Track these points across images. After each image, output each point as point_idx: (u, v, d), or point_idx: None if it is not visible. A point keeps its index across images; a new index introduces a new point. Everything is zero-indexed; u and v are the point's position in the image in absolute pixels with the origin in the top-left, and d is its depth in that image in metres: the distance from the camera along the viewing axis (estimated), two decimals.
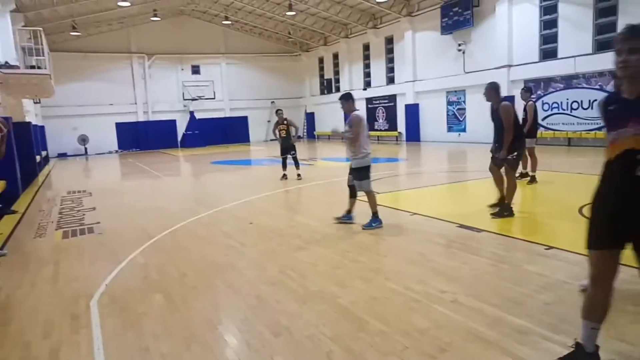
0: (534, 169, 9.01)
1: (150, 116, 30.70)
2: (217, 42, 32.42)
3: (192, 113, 30.94)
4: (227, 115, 32.87)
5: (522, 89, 9.68)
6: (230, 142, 31.58)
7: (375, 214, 6.23)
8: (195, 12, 30.65)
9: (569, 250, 4.73)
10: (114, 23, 27.93)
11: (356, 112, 6.29)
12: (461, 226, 6.05)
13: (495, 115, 6.31)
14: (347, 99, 6.36)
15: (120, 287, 4.53)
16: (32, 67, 14.56)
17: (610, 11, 15.01)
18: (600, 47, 15.30)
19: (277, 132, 11.96)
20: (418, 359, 2.84)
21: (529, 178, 9.01)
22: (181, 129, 31.23)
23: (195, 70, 32.07)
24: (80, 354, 3.18)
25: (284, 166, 12.04)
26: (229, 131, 32.16)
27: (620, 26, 15.14)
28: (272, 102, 34.28)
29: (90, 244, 6.41)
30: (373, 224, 6.18)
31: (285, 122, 11.86)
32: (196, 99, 30.96)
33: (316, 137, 33.48)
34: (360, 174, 6.19)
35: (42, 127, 24.24)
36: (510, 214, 6.28)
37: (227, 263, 5.15)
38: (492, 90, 6.35)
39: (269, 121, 34.23)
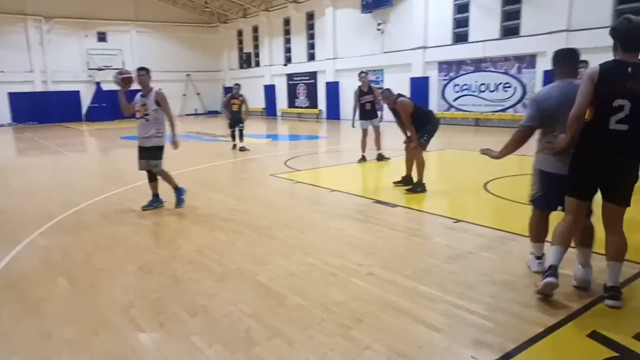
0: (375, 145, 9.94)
1: (50, 86, 28.02)
2: (126, 8, 30.14)
3: (98, 84, 28.70)
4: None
5: (361, 72, 10.19)
6: None
7: (177, 186, 6.24)
8: None
9: (474, 223, 5.07)
10: None
11: (159, 89, 6.09)
12: (377, 202, 6.25)
13: (395, 112, 6.78)
14: (148, 72, 6.08)
15: (18, 271, 4.14)
16: None
17: None
18: (507, 32, 16.36)
19: (229, 105, 12.32)
20: (335, 330, 2.91)
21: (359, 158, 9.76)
22: (86, 101, 28.92)
23: (102, 37, 29.66)
24: None
25: (233, 137, 12.50)
26: None
27: (524, 13, 16.20)
28: (188, 75, 32.87)
29: None
30: (182, 197, 6.23)
31: (240, 97, 12.30)
32: (103, 69, 28.71)
33: None
34: (159, 154, 6.05)
35: None
36: (423, 189, 6.61)
37: (138, 243, 4.89)
38: (387, 95, 6.87)
39: (184, 95, 32.81)
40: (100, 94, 28.65)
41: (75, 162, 12.23)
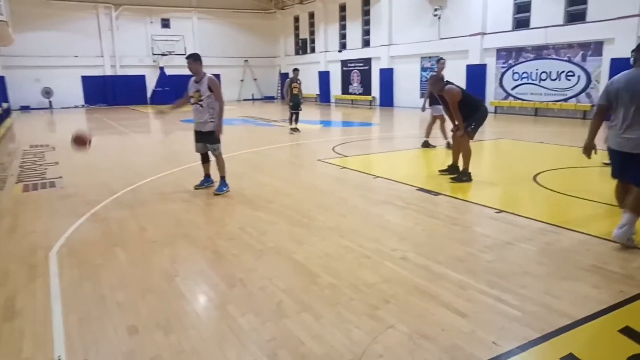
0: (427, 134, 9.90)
1: (118, 70, 29.64)
2: None
3: (162, 69, 30.01)
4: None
5: (440, 59, 9.91)
6: None
7: (224, 178, 6.31)
8: None
9: (516, 214, 4.98)
10: None
11: (211, 75, 6.13)
12: (420, 189, 6.25)
13: (443, 99, 6.68)
14: (196, 59, 6.07)
15: (80, 240, 4.56)
16: None
17: None
18: (571, 18, 15.48)
19: (289, 89, 13.11)
20: (362, 309, 3.02)
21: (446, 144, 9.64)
22: (151, 84, 30.34)
23: (165, 23, 30.90)
24: (36, 301, 3.25)
25: (291, 121, 13.30)
26: None
27: None
28: (246, 61, 33.60)
29: (51, 197, 6.35)
30: (224, 188, 6.25)
31: (298, 81, 13.11)
32: (166, 54, 29.97)
33: None
34: (217, 138, 6.19)
35: (2, 78, 23.16)
36: (469, 179, 6.52)
37: (187, 219, 5.21)
38: (435, 83, 6.73)
39: (242, 80, 33.60)
40: (163, 78, 29.94)
41: (137, 142, 12.99)
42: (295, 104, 13.11)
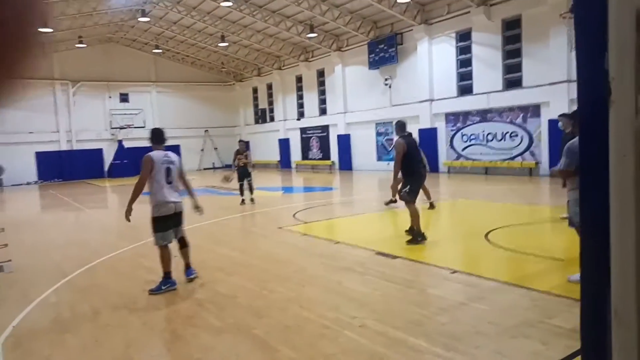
0: (429, 197, 9.79)
1: (75, 145, 29.32)
2: (147, 70, 31.87)
3: (120, 142, 29.89)
4: None
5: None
6: None
7: (167, 274, 5.20)
8: (124, 39, 30.08)
9: (470, 274, 5.17)
10: None
11: (148, 154, 5.54)
12: (379, 253, 6.38)
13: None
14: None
15: (28, 329, 4.36)
16: None
17: (516, 53, 16.60)
18: (510, 84, 16.81)
19: (236, 161, 13.02)
20: None
21: (428, 205, 9.72)
22: (109, 158, 30.05)
23: (124, 98, 31.22)
24: None
25: (242, 192, 12.93)
26: None
27: (525, 66, 16.67)
28: (206, 131, 34.01)
29: None
30: (162, 287, 5.11)
31: (245, 152, 13.04)
32: (124, 128, 30.00)
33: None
34: (152, 226, 5.26)
35: None
36: (422, 239, 6.72)
37: (144, 298, 5.09)
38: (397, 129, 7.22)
39: (202, 150, 33.83)
40: (121, 151, 29.75)
41: (93, 218, 12.67)
42: (241, 175, 12.75)
